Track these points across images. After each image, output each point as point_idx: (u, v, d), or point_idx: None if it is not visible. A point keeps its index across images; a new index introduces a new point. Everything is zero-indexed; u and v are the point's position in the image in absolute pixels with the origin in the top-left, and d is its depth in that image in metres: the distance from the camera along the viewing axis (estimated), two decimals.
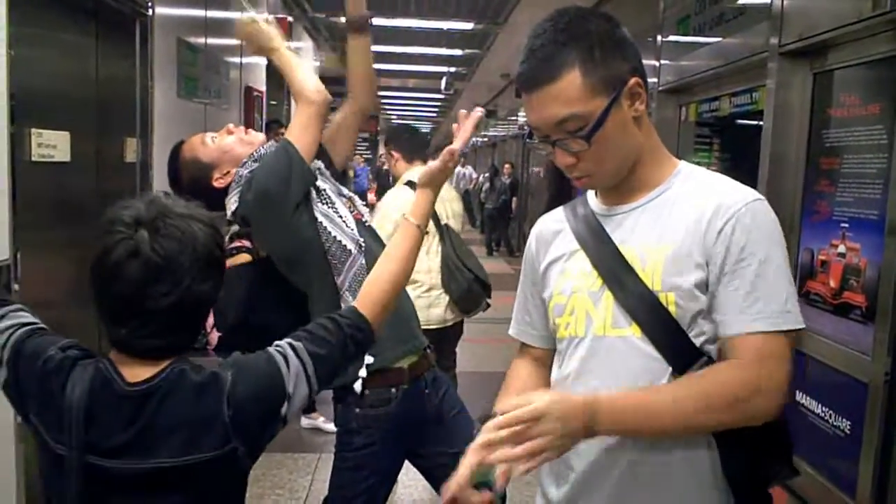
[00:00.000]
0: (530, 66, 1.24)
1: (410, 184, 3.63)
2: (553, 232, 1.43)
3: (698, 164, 4.68)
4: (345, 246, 2.11)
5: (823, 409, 3.34)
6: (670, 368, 1.21)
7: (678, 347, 1.21)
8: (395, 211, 3.44)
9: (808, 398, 3.46)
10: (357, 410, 2.10)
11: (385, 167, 14.31)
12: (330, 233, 2.10)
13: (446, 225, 3.65)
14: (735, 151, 4.79)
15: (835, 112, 3.34)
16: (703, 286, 1.21)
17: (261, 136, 2.34)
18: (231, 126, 2.35)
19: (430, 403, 2.22)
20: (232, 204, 2.18)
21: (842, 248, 3.22)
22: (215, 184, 2.22)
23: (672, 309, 1.21)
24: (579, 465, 1.32)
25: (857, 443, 3.04)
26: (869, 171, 3.07)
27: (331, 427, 4.33)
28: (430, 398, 2.23)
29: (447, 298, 3.63)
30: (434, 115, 26.42)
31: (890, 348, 2.86)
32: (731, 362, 1.17)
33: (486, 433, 1.14)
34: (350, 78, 2.39)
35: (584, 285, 1.31)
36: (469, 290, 3.61)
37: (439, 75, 13.79)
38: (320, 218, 2.11)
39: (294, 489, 3.54)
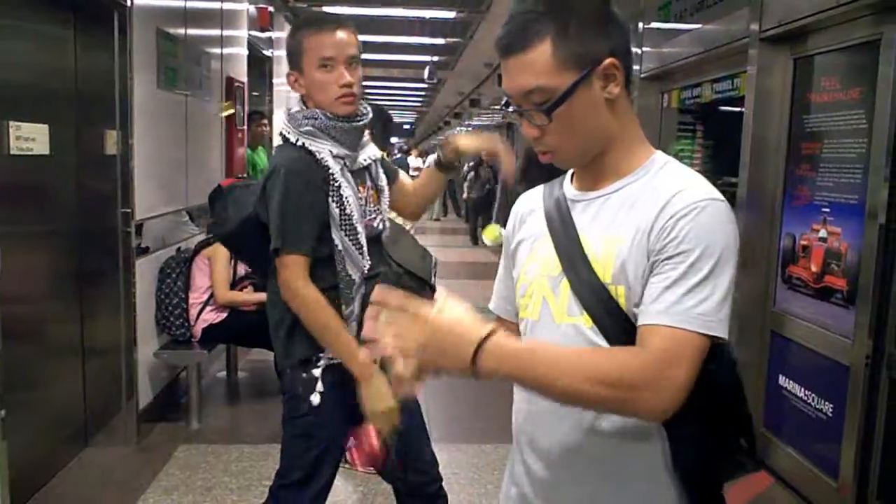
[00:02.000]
0: (507, 32, 1.22)
1: None
2: (529, 210, 1.43)
3: (681, 151, 4.70)
4: (351, 277, 2.15)
5: (806, 392, 3.36)
6: None
7: (625, 339, 1.19)
8: None
9: (790, 382, 3.49)
10: (304, 375, 2.13)
11: None
12: (345, 264, 2.13)
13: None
14: (717, 138, 4.81)
15: (815, 97, 3.36)
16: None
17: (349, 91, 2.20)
18: (349, 79, 2.18)
19: None
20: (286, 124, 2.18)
21: (823, 233, 3.24)
22: (289, 80, 2.19)
23: (621, 302, 1.20)
24: (535, 462, 1.34)
25: (840, 425, 3.07)
26: (849, 156, 3.09)
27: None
28: None
29: None
30: (418, 104, 26.35)
31: (871, 332, 2.89)
32: (634, 349, 1.14)
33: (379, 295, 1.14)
34: (416, 198, 2.53)
35: (546, 270, 1.31)
36: (397, 285, 3.47)
37: (422, 64, 13.73)
38: (339, 245, 2.12)
39: None
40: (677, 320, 1.11)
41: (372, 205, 2.28)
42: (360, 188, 2.24)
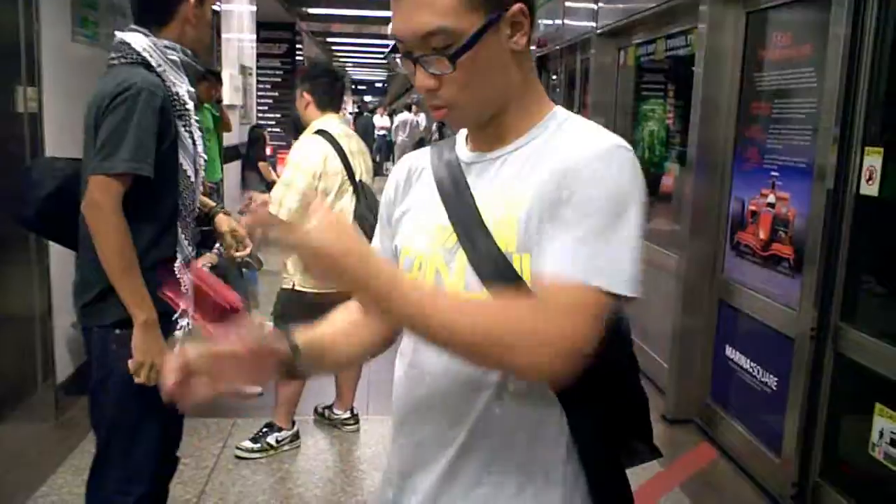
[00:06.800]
0: None
1: (323, 133, 3.36)
2: (415, 174, 1.27)
3: (651, 112, 4.52)
4: (189, 207, 2.14)
5: (751, 364, 3.24)
6: None
7: None
8: (304, 160, 3.19)
9: (736, 353, 3.37)
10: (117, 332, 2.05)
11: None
12: (190, 191, 2.13)
13: (360, 181, 3.39)
14: (674, 94, 4.62)
15: (767, 53, 3.19)
16: None
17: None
18: None
19: None
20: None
21: (771, 198, 3.10)
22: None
23: (526, 274, 1.05)
24: (410, 442, 1.18)
25: (784, 400, 2.95)
26: (798, 117, 2.94)
27: (252, 390, 4.15)
28: None
29: None
30: (388, 62, 25.94)
31: (817, 302, 2.75)
32: (534, 304, 1.00)
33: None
34: None
35: (438, 240, 1.15)
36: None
37: (388, 21, 13.43)
38: (190, 175, 2.11)
39: (201, 458, 3.32)
40: (574, 272, 0.98)
41: None
42: None
